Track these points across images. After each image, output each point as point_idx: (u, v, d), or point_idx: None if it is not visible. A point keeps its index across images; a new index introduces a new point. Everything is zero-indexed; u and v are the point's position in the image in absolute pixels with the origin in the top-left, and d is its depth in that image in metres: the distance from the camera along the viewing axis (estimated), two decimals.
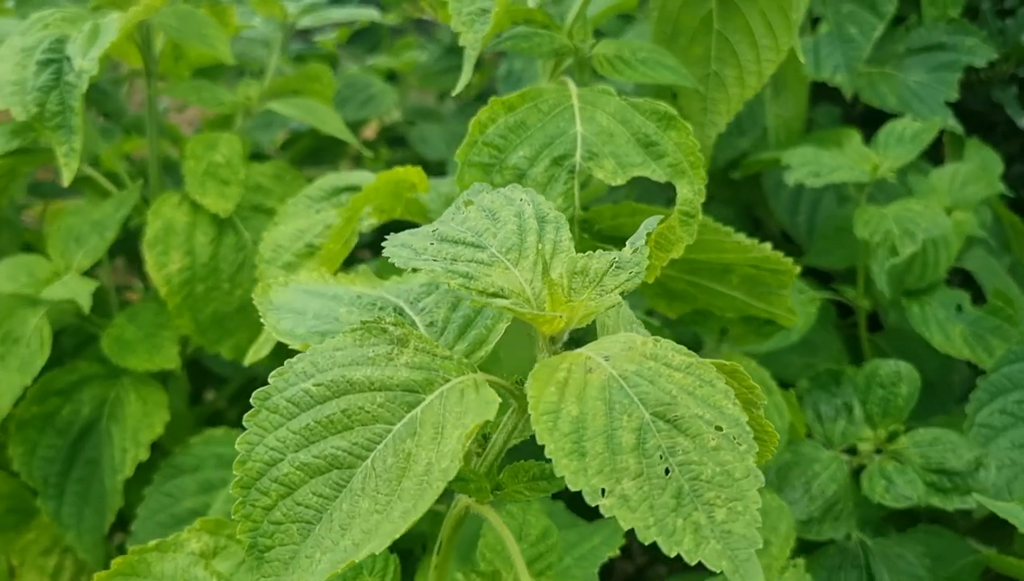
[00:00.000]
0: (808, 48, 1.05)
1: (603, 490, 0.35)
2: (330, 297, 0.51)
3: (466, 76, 0.65)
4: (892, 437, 0.81)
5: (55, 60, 0.78)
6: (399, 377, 0.39)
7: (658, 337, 0.39)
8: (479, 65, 1.74)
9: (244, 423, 0.40)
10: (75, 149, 0.77)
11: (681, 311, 0.81)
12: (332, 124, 0.93)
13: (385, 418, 0.39)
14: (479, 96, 1.75)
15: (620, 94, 0.65)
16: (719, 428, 0.35)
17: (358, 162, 1.85)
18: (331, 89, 1.27)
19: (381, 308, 0.50)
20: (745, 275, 0.69)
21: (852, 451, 0.84)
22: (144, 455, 0.87)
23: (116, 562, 0.58)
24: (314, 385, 0.40)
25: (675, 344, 0.38)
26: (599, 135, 0.61)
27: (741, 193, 1.25)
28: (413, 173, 0.67)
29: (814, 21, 1.14)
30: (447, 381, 0.40)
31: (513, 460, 0.44)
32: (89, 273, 0.93)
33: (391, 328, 0.41)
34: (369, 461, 0.38)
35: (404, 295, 0.52)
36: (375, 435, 0.39)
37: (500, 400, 0.38)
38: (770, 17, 0.69)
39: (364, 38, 1.89)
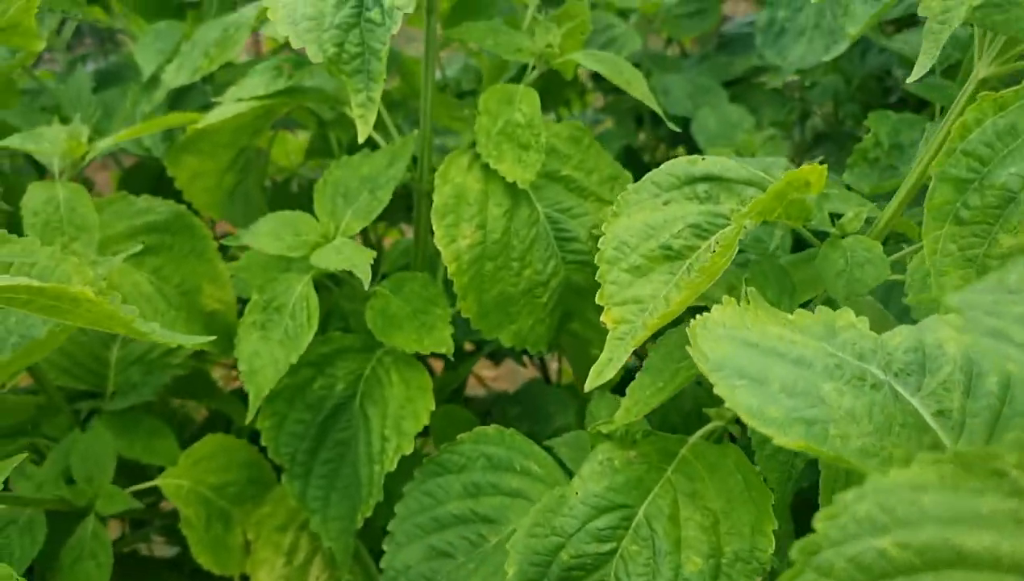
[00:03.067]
0: None
1: None
2: (793, 360, 0.38)
3: (928, 59, 0.49)
4: None
5: None
6: None
7: None
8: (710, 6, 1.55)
9: None
10: (373, 99, 0.66)
11: None
12: (637, 86, 0.79)
13: None
14: (720, 45, 1.58)
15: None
16: None
17: (567, 105, 1.71)
18: (586, 30, 1.14)
19: (874, 386, 0.37)
20: None
21: None
22: (408, 448, 0.77)
23: None
24: (894, 545, 0.27)
25: None
26: None
27: None
28: (814, 172, 0.53)
29: None
30: None
31: None
32: None
33: (1012, 472, 0.27)
34: None
35: (880, 361, 0.39)
36: None
37: None
38: None
39: None
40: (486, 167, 0.74)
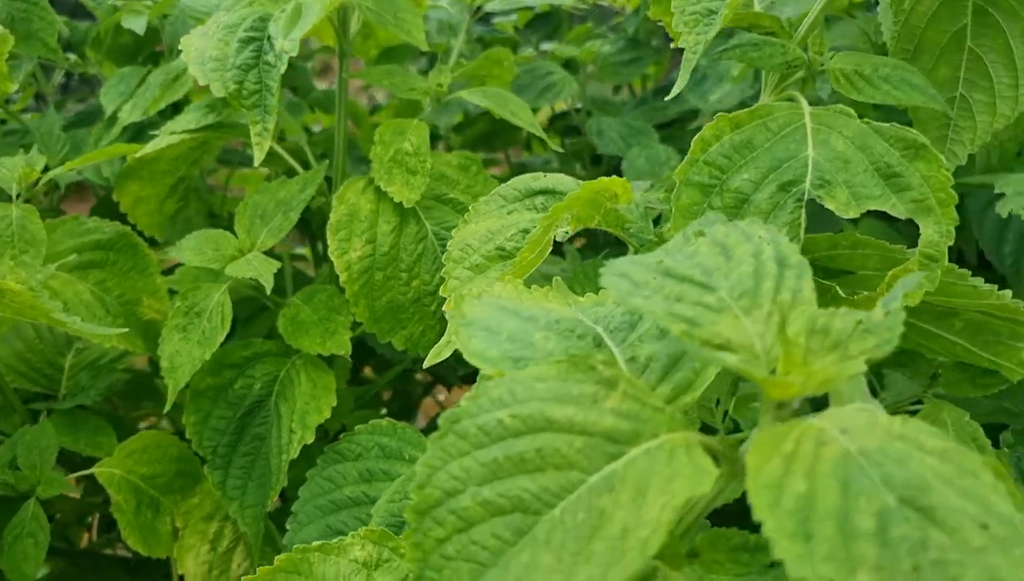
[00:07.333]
0: None
1: None
2: (526, 318, 0.48)
3: (682, 81, 0.60)
4: None
5: (256, 38, 0.78)
6: (603, 423, 0.36)
7: (906, 416, 0.34)
8: (658, 55, 1.67)
9: (429, 445, 0.37)
10: (268, 129, 0.77)
11: None
12: (524, 117, 0.89)
13: (582, 465, 0.35)
14: (657, 90, 1.69)
15: (864, 119, 0.60)
16: (985, 526, 0.30)
17: (528, 147, 1.83)
18: (511, 74, 1.25)
19: (580, 336, 0.47)
20: (971, 321, 0.62)
21: None
22: (310, 438, 0.87)
23: (280, 559, 0.57)
24: (509, 416, 0.37)
25: (927, 426, 0.33)
26: (833, 161, 0.55)
27: None
28: (617, 183, 0.63)
29: None
30: (655, 436, 0.36)
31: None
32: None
33: (600, 367, 0.37)
34: (558, 511, 0.35)
35: (604, 321, 0.49)
36: (568, 483, 0.35)
37: (717, 471, 0.33)
38: None
39: (542, 23, 1.85)
40: (379, 189, 0.85)
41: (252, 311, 1.11)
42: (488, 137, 1.55)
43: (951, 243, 0.54)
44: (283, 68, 0.75)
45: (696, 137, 0.57)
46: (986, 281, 0.63)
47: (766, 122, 0.58)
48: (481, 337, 0.47)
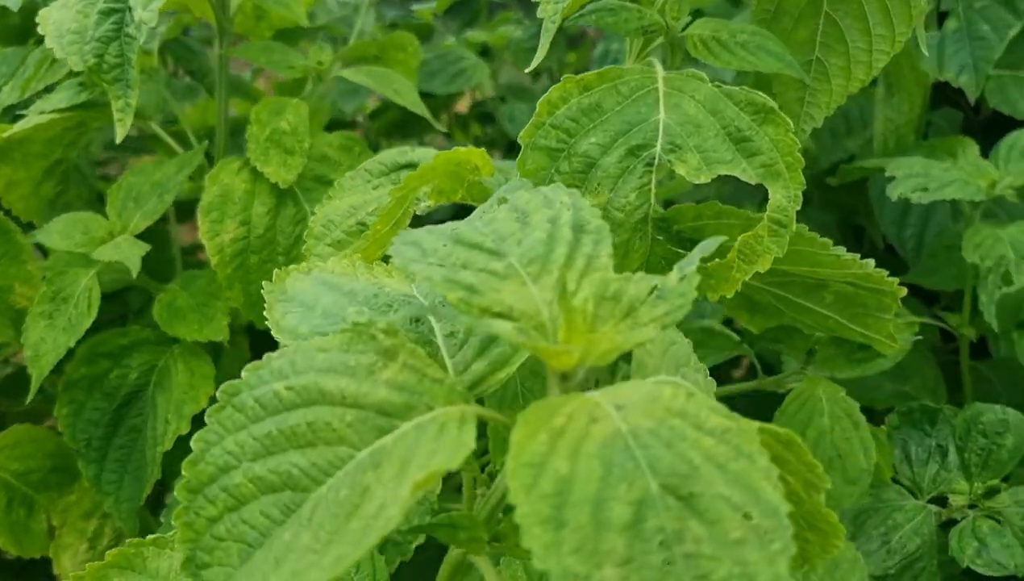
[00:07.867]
0: (932, 45, 0.94)
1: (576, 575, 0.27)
2: (345, 292, 0.45)
3: (542, 51, 0.58)
4: (991, 493, 0.72)
5: (117, 10, 0.74)
6: (376, 395, 0.33)
7: (695, 390, 0.31)
8: (578, 43, 1.65)
9: (206, 419, 0.35)
10: (130, 104, 0.74)
11: (764, 326, 0.73)
12: (407, 96, 0.87)
13: (351, 441, 0.33)
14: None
15: (714, 81, 0.58)
16: (748, 516, 0.28)
17: (449, 137, 1.81)
18: (416, 59, 1.22)
19: (396, 310, 0.44)
20: (840, 293, 0.61)
21: (941, 502, 0.75)
22: (185, 428, 0.83)
23: (111, 554, 0.54)
24: (285, 387, 0.34)
25: (715, 403, 0.31)
26: (684, 125, 0.54)
27: (843, 198, 1.15)
28: (476, 154, 0.61)
29: (941, 16, 1.03)
30: (430, 409, 0.33)
31: None
32: (156, 232, 0.90)
33: (380, 336, 0.35)
34: (324, 488, 0.33)
35: (432, 296, 0.46)
36: (337, 458, 0.33)
37: (474, 445, 0.31)
38: (888, 1, 0.60)
39: (462, 10, 1.82)
40: (254, 170, 0.82)
41: (145, 301, 1.07)
42: (403, 124, 1.52)
43: (799, 207, 0.53)
44: (142, 40, 0.72)
45: (542, 99, 0.55)
46: (891, 266, 0.62)
47: (617, 85, 0.56)
48: (297, 313, 0.44)
